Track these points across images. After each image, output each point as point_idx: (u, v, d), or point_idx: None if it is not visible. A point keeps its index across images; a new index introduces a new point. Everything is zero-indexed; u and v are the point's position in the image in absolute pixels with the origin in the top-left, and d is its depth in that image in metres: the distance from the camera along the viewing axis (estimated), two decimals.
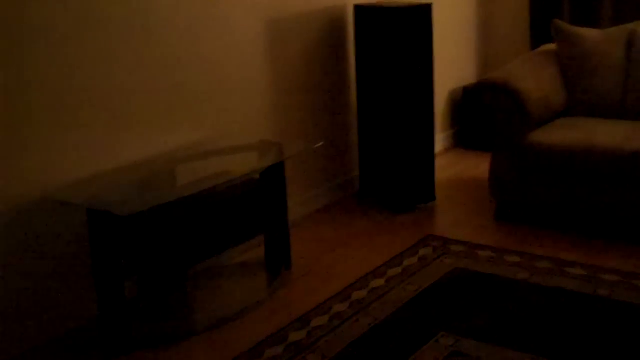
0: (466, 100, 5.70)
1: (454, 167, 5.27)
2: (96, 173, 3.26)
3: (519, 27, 5.83)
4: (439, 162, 5.12)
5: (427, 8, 4.37)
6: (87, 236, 3.08)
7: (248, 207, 3.49)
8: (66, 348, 3.10)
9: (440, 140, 5.54)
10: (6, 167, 2.96)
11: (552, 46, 4.70)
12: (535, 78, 4.31)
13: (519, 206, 4.22)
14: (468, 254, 3.82)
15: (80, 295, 3.25)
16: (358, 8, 4.43)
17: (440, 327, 3.11)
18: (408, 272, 3.64)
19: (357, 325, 3.16)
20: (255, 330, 3.15)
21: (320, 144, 4.11)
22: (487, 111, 5.35)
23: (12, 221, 3.01)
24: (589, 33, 4.54)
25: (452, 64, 5.65)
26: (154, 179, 3.43)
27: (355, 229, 4.23)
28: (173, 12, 3.54)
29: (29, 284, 3.09)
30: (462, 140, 5.75)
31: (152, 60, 3.48)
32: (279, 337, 3.09)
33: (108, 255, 2.98)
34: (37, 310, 3.12)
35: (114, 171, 3.33)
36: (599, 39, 4.48)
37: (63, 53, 3.10)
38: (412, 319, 3.20)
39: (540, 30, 5.50)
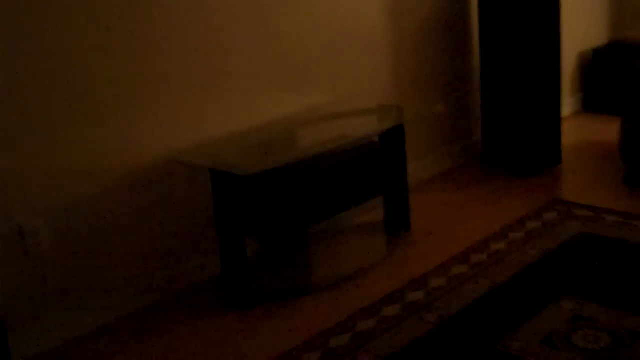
0: (596, 62, 5.47)
1: (581, 130, 5.09)
2: (219, 136, 3.37)
3: None
4: (567, 126, 4.96)
5: None
6: (210, 196, 3.19)
7: (367, 169, 3.51)
8: (190, 301, 3.23)
9: (569, 104, 5.36)
10: (134, 129, 3.10)
11: None
12: None
13: None
14: (594, 218, 3.70)
15: (204, 253, 3.38)
16: None
17: (562, 291, 3.03)
18: (530, 235, 3.56)
19: (476, 287, 3.13)
20: (373, 289, 3.18)
21: (441, 106, 4.06)
22: (618, 72, 5.13)
23: (140, 181, 3.15)
24: None
25: (581, 24, 5.43)
26: (275, 141, 3.50)
27: (476, 193, 4.17)
28: None
29: (157, 241, 3.23)
30: (590, 104, 5.54)
31: (278, 26, 3.54)
32: (396, 296, 3.10)
33: (230, 214, 3.07)
34: (164, 266, 3.27)
35: (237, 134, 3.42)
36: None
37: (200, 20, 3.21)
38: (532, 282, 3.14)
39: None
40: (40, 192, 2.87)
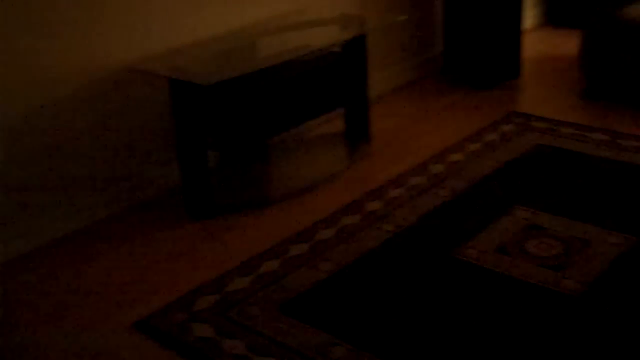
0: None
1: (542, 44, 5.10)
2: (179, 46, 3.31)
3: None
4: (527, 39, 4.96)
5: None
6: (170, 107, 3.16)
7: (328, 80, 3.49)
8: (152, 211, 3.24)
9: (530, 17, 5.34)
10: (90, 39, 3.03)
11: None
12: None
13: (608, 84, 4.09)
14: (551, 130, 3.75)
15: (165, 163, 3.37)
16: None
17: (517, 200, 3.10)
18: (488, 147, 3.61)
19: (434, 197, 3.18)
20: (333, 200, 3.22)
21: (404, 17, 4.03)
22: None
23: (97, 92, 3.10)
24: None
25: None
26: (235, 52, 3.46)
27: (437, 105, 4.19)
28: None
29: (115, 153, 3.21)
30: (552, 17, 5.53)
31: None
32: (355, 207, 3.15)
33: (190, 125, 3.05)
34: (124, 177, 3.26)
35: (197, 44, 3.36)
36: None
37: None
38: (489, 193, 3.20)
39: None
40: None
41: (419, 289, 2.59)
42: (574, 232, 2.84)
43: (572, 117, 3.91)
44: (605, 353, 2.23)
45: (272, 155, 3.65)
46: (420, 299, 2.53)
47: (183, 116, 3.06)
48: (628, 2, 3.95)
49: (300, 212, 3.15)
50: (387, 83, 4.38)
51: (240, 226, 3.08)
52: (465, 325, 2.38)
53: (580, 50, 4.12)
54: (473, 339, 2.32)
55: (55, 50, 2.93)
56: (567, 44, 4.94)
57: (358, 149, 3.69)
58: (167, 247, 2.96)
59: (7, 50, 2.80)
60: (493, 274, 2.63)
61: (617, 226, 2.86)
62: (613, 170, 3.32)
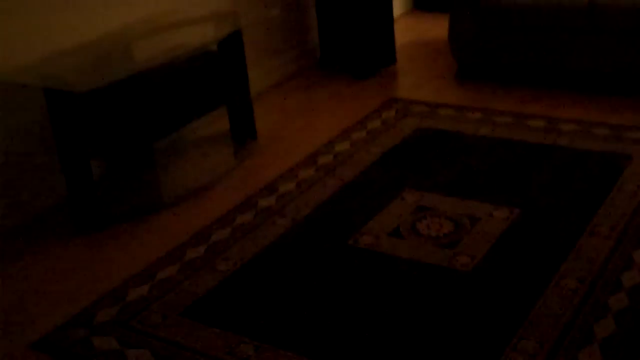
0: None
1: (413, 29, 5.24)
2: (50, 54, 3.20)
3: None
4: (399, 26, 5.09)
5: None
6: (48, 118, 3.06)
7: (208, 79, 3.47)
8: (38, 228, 3.13)
9: (399, 3, 5.47)
10: None
11: None
12: None
13: (479, 65, 4.25)
14: (430, 113, 3.86)
15: (47, 177, 3.26)
16: None
17: (406, 184, 3.18)
18: (372, 134, 3.68)
19: (325, 188, 3.22)
20: (225, 199, 3.20)
21: (276, 10, 4.04)
22: None
23: None
24: None
25: None
26: (110, 56, 3.37)
27: (318, 97, 4.23)
28: None
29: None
30: (421, 3, 5.69)
31: None
32: (248, 204, 3.14)
33: (70, 135, 2.96)
34: (7, 194, 3.12)
35: (69, 51, 3.26)
36: None
37: None
38: (377, 179, 3.26)
39: None
40: None
41: (318, 279, 2.61)
42: (463, 210, 2.94)
43: (448, 98, 4.04)
44: (497, 324, 2.32)
45: (159, 160, 3.59)
46: (320, 289, 2.56)
47: (62, 126, 2.97)
48: None
49: (194, 215, 3.12)
50: (267, 79, 4.39)
51: (135, 234, 3.02)
52: (365, 310, 2.43)
53: (449, 34, 4.26)
54: (374, 324, 2.36)
55: None
56: (438, 27, 5.09)
57: (245, 146, 3.68)
58: (61, 262, 2.87)
59: None
60: (388, 258, 2.69)
61: (501, 200, 2.98)
62: (491, 146, 3.46)
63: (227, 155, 3.66)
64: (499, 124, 3.67)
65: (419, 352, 2.22)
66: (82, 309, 2.56)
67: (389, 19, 4.52)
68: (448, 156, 3.41)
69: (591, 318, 2.28)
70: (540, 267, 2.55)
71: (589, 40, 3.84)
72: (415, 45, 4.92)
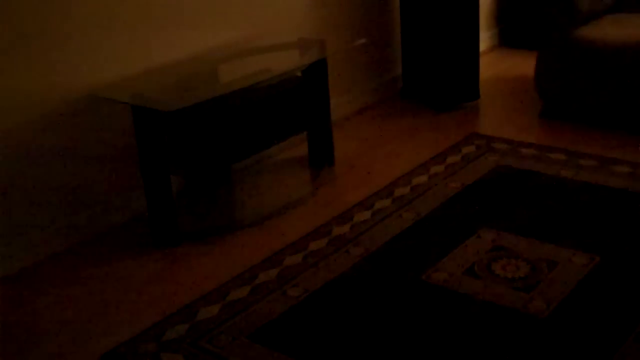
0: None
1: (499, 65, 5.18)
2: (141, 72, 3.28)
3: None
4: (484, 61, 5.04)
5: None
6: (133, 133, 3.12)
7: (290, 104, 3.49)
8: (116, 241, 3.19)
9: (486, 39, 5.43)
10: (52, 65, 2.99)
11: None
12: None
13: (564, 104, 4.16)
14: (512, 151, 3.80)
15: (128, 191, 3.33)
16: None
17: (482, 222, 3.13)
18: (451, 169, 3.64)
19: (400, 220, 3.19)
20: (299, 225, 3.21)
21: (362, 41, 4.06)
22: (534, 7, 5.22)
23: (60, 118, 3.06)
24: None
25: None
26: (197, 77, 3.44)
27: (398, 128, 4.22)
28: None
29: (79, 179, 3.16)
30: (507, 39, 5.63)
31: None
32: (322, 231, 3.14)
33: (153, 151, 3.02)
34: (88, 205, 3.20)
35: (158, 70, 3.34)
36: None
37: None
38: (454, 215, 3.22)
39: None
40: None
41: (388, 313, 2.58)
42: (540, 253, 2.87)
43: (531, 137, 3.97)
44: None
45: (237, 181, 3.63)
46: (389, 323, 2.53)
47: (146, 143, 3.03)
48: (581, 23, 4.04)
49: (268, 238, 3.13)
50: (349, 106, 4.40)
51: (208, 253, 3.05)
52: (434, 349, 2.38)
53: (535, 72, 4.20)
54: None
55: (17, 77, 2.89)
56: (523, 64, 5.02)
57: (322, 173, 3.69)
58: (135, 276, 2.92)
59: None
60: (462, 297, 2.64)
61: (581, 246, 2.90)
62: (574, 189, 3.38)
63: (304, 181, 3.67)
64: (582, 166, 3.58)
65: None
66: (153, 324, 2.59)
67: (474, 54, 4.48)
68: (528, 196, 3.34)
69: None
70: (618, 319, 2.46)
71: None
72: (500, 81, 4.86)
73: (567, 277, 2.71)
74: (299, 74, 3.59)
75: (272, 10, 3.88)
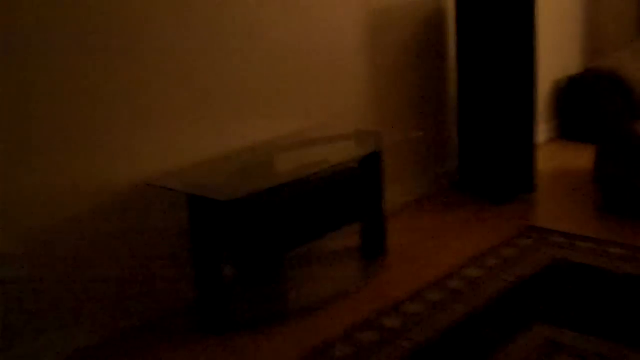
0: (571, 90, 5.55)
1: (556, 158, 5.15)
2: (196, 162, 3.37)
3: (628, 15, 5.64)
4: (542, 153, 5.03)
5: None
6: (186, 222, 3.19)
7: (345, 195, 3.52)
8: (165, 327, 3.21)
9: (544, 131, 5.43)
10: (109, 155, 3.10)
11: None
12: None
13: (623, 198, 4.10)
14: (569, 245, 3.74)
15: (179, 279, 3.37)
16: None
17: (537, 317, 3.06)
18: (506, 262, 3.59)
19: (453, 314, 3.14)
20: (350, 315, 3.19)
21: (419, 133, 4.10)
22: (593, 100, 5.21)
23: (116, 206, 3.14)
24: None
25: (557, 53, 5.53)
26: (253, 167, 3.51)
27: (453, 219, 4.20)
28: (276, 3, 3.62)
29: (131, 267, 3.22)
30: (566, 132, 5.61)
31: (254, 52, 3.56)
32: (372, 322, 3.11)
33: (207, 240, 3.07)
34: (138, 292, 3.25)
35: (213, 160, 3.43)
36: None
37: (177, 47, 3.22)
38: (508, 309, 3.16)
39: None
40: (15, 218, 2.86)
41: None
42: (595, 350, 2.79)
43: (588, 231, 3.90)
44: None
45: (288, 270, 3.65)
46: None
47: (200, 231, 3.08)
48: (637, 117, 4.01)
49: (317, 328, 3.11)
50: (404, 197, 4.42)
51: (257, 342, 3.04)
52: None
53: (594, 165, 4.16)
54: None
55: (72, 167, 2.99)
56: (582, 157, 4.99)
57: (375, 263, 3.68)
58: None
59: (30, 167, 2.86)
60: None
61: (638, 344, 2.80)
62: (632, 285, 3.29)
63: (355, 271, 3.66)
64: None
65: None
66: None
67: (531, 146, 4.48)
68: (586, 292, 3.26)
69: None
70: None
71: None
72: (558, 174, 4.83)
73: None
74: (354, 164, 3.63)
75: (330, 103, 3.97)
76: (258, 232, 3.24)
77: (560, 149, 5.36)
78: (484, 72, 4.35)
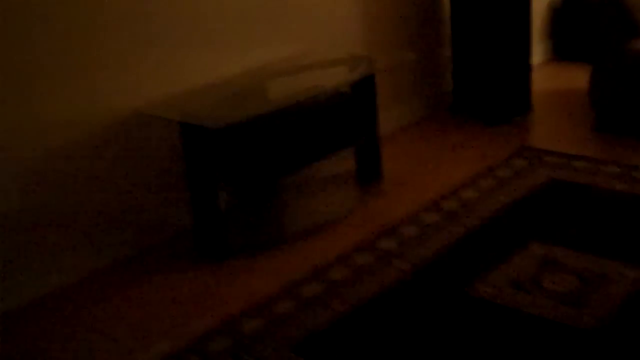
0: (566, 10, 5.47)
1: (551, 78, 5.11)
2: (188, 89, 3.33)
3: None
4: (537, 74, 4.98)
5: None
6: (180, 149, 3.17)
7: (339, 120, 3.50)
8: (162, 254, 3.23)
9: (539, 52, 5.37)
10: (101, 83, 3.06)
11: None
12: None
13: (619, 117, 4.08)
14: (564, 164, 3.73)
15: (175, 206, 3.37)
16: None
17: (532, 236, 3.07)
18: (501, 183, 3.59)
19: (448, 235, 3.16)
20: (346, 239, 3.20)
21: (412, 55, 4.05)
22: (589, 19, 5.14)
23: (109, 134, 3.12)
24: None
25: None
26: (245, 94, 3.48)
27: (447, 142, 4.19)
28: None
29: (127, 195, 3.22)
30: (561, 52, 5.55)
31: None
32: (368, 246, 3.13)
33: (201, 167, 3.06)
34: (135, 220, 3.26)
35: (206, 87, 3.39)
36: None
37: None
38: (503, 229, 3.17)
39: None
40: (8, 147, 2.83)
41: (435, 327, 2.55)
42: (591, 267, 2.81)
43: (584, 150, 3.89)
44: None
45: (283, 195, 3.65)
46: (436, 338, 2.50)
47: (194, 159, 3.07)
48: (636, 36, 3.96)
49: (314, 252, 3.13)
50: (398, 121, 4.39)
51: (254, 267, 3.06)
52: None
53: (589, 84, 4.12)
54: None
55: (65, 95, 2.96)
56: (576, 78, 4.94)
57: (370, 187, 3.68)
58: (179, 289, 2.95)
59: (19, 97, 2.83)
60: (509, 311, 2.60)
61: (634, 260, 2.83)
62: (628, 203, 3.30)
63: (351, 195, 3.67)
64: (636, 179, 3.49)
65: None
66: (198, 337, 2.61)
67: (526, 67, 4.43)
68: (580, 210, 3.27)
69: None
70: None
71: None
72: (553, 94, 4.79)
73: (619, 291, 2.64)
74: (347, 89, 3.60)
75: (322, 27, 3.90)
76: (252, 158, 3.23)
77: (556, 69, 5.32)
78: None
